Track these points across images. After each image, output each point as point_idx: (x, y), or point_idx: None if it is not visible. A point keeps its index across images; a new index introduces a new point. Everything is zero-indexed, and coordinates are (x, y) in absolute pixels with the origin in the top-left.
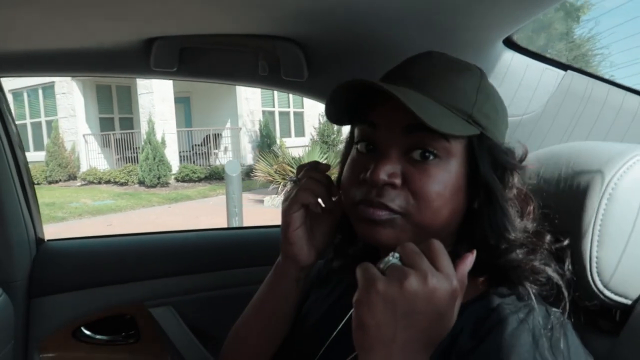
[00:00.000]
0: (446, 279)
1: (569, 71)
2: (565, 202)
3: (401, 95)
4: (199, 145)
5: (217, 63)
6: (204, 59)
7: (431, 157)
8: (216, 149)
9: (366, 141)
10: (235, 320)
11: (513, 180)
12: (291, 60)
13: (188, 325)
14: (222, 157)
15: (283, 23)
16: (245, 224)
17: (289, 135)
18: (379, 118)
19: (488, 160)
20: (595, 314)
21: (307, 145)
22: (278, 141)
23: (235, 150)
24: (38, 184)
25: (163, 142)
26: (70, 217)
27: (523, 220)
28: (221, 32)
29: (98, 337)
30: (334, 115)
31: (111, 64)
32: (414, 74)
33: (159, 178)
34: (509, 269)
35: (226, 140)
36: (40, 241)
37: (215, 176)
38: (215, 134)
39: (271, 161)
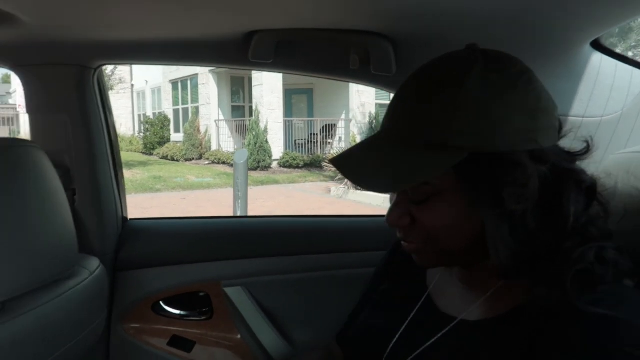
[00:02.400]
0: None
1: None
2: None
3: (349, 164)
4: (315, 134)
5: (310, 56)
6: (298, 53)
7: (426, 199)
8: (331, 138)
9: None
10: (303, 304)
11: (519, 188)
12: (381, 55)
13: (259, 306)
14: (336, 147)
15: (376, 19)
16: (308, 210)
17: None
18: None
19: (480, 179)
20: None
21: None
22: None
23: (346, 140)
24: (177, 160)
25: (266, 130)
26: (164, 190)
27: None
28: (317, 26)
29: (175, 311)
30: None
31: (212, 54)
32: (388, 122)
33: (258, 162)
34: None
35: (340, 131)
36: (124, 219)
37: (316, 164)
38: (331, 125)
39: None
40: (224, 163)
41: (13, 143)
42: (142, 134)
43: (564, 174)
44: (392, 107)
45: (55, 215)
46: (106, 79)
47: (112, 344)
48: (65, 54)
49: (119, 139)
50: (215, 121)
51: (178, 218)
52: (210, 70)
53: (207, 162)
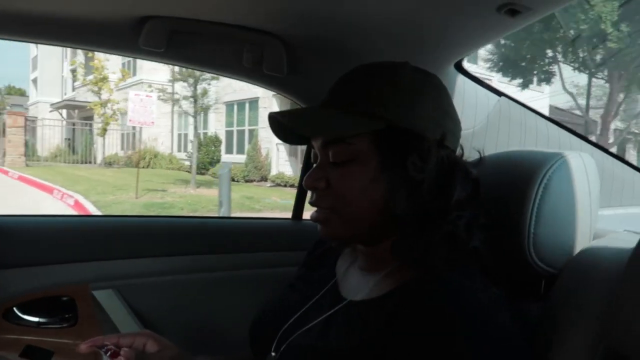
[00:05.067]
0: None
1: (502, 97)
2: (509, 193)
3: (293, 117)
4: None
5: (204, 50)
6: (191, 45)
7: (344, 162)
8: None
9: (314, 156)
10: (179, 307)
11: (420, 162)
12: (274, 55)
13: (131, 310)
14: None
15: (270, 19)
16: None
17: None
18: (313, 138)
19: (392, 148)
20: (524, 285)
21: None
22: None
23: None
24: (237, 181)
25: None
26: (264, 210)
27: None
28: (212, 19)
29: (31, 318)
30: (282, 137)
31: (101, 38)
32: (325, 98)
33: None
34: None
35: None
36: None
37: None
38: None
39: None
40: (292, 186)
41: None
42: (187, 153)
43: (458, 163)
44: (331, 88)
45: None
46: (199, 100)
47: None
48: None
49: (159, 157)
50: (276, 144)
51: (39, 215)
52: (273, 95)
53: (270, 184)
